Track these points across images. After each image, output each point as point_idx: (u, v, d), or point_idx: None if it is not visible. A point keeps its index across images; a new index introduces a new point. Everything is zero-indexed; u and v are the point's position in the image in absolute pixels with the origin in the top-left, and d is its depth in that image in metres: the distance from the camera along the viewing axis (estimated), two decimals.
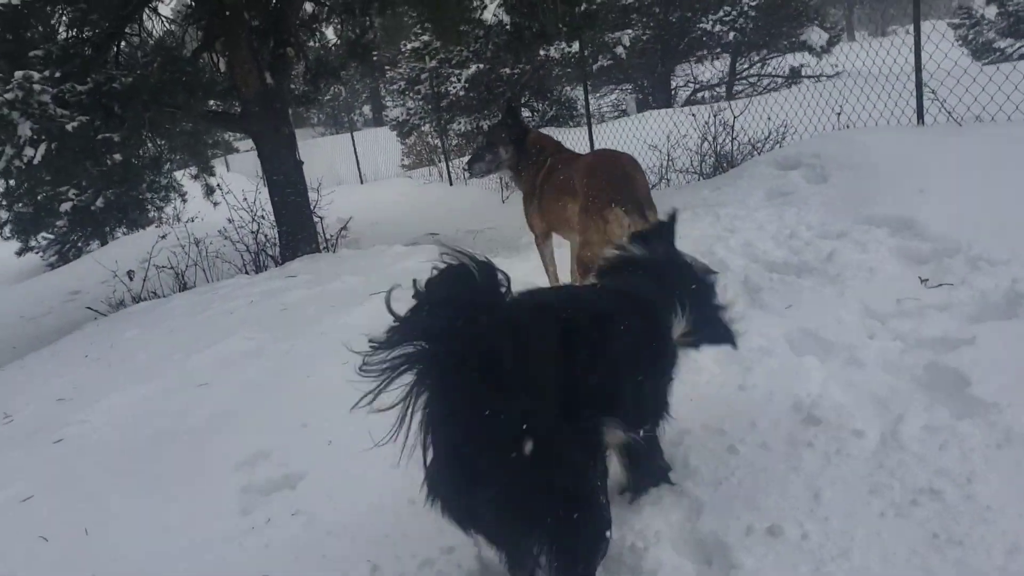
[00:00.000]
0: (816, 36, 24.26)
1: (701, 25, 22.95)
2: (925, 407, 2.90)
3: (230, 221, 10.54)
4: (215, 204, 14.08)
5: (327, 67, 12.47)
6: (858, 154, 6.34)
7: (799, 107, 8.94)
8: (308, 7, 11.54)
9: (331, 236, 11.03)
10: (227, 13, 9.17)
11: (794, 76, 24.29)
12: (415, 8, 9.47)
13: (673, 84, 25.50)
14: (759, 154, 8.89)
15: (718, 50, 24.48)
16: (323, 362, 4.05)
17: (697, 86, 25.63)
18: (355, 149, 19.09)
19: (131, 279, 10.62)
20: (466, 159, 6.58)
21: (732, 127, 9.24)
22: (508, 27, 11.46)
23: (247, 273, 9.93)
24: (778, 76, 24.70)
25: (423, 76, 20.96)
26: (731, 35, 22.99)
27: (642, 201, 4.59)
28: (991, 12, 23.64)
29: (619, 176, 4.69)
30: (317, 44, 12.80)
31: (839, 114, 8.35)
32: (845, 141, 6.79)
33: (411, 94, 22.54)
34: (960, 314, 3.52)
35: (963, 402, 2.87)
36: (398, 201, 14.98)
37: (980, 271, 3.81)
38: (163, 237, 10.63)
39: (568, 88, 22.91)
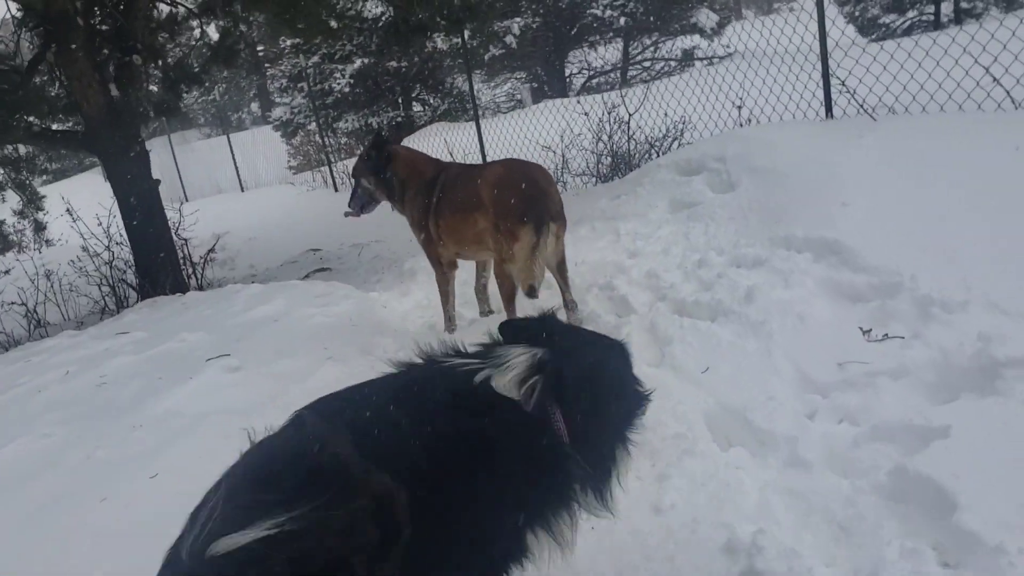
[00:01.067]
0: (706, 18, 24.05)
1: (592, 11, 22.39)
2: (900, 548, 2.17)
3: (84, 250, 9.37)
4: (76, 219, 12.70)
5: (187, 72, 11.32)
6: (766, 156, 5.70)
7: (696, 99, 8.29)
8: (164, 8, 10.38)
9: (199, 259, 9.94)
10: (58, 18, 8.02)
11: (687, 59, 24.05)
12: (272, 7, 8.45)
13: (567, 71, 24.93)
14: (658, 155, 8.24)
15: (610, 35, 24.00)
16: (127, 475, 3.14)
17: (591, 72, 25.13)
18: (233, 154, 17.83)
19: None
20: (354, 161, 6.02)
21: (628, 124, 8.54)
22: (387, 19, 10.58)
23: (103, 311, 8.83)
24: (671, 60, 24.40)
25: (306, 72, 19.79)
26: (622, 20, 22.50)
27: (555, 217, 4.40)
28: None
29: (530, 189, 4.38)
30: (175, 47, 11.61)
31: (740, 107, 7.74)
32: (750, 141, 6.15)
33: (294, 91, 21.37)
34: (921, 385, 2.83)
35: (952, 538, 2.16)
36: (279, 211, 13.90)
37: (934, 319, 3.14)
38: (6, 272, 9.38)
39: (460, 80, 22.06)
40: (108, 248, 9.21)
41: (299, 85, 20.34)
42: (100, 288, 9.24)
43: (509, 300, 4.65)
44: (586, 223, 6.73)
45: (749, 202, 5.30)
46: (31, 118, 8.59)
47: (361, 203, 5.67)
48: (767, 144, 5.95)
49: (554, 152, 9.47)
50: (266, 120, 23.37)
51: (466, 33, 10.11)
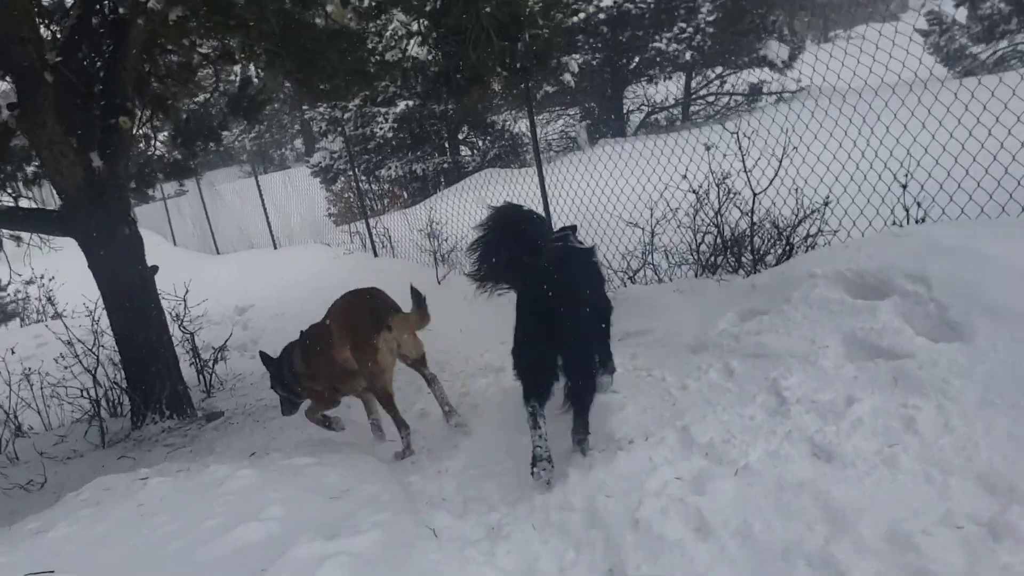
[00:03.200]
0: (776, 49, 22.17)
1: (655, 44, 20.57)
2: None
3: (64, 356, 7.71)
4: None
5: (203, 127, 9.71)
6: (1007, 289, 3.79)
7: (822, 151, 6.31)
8: (172, 56, 8.77)
9: (207, 360, 8.20)
10: (20, 72, 6.40)
11: (754, 93, 22.22)
12: (290, 60, 6.73)
13: (625, 107, 23.13)
14: (789, 245, 6.32)
15: (670, 69, 22.18)
16: None
17: (651, 108, 23.30)
18: (265, 208, 16.21)
19: None
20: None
21: (753, 200, 6.54)
22: (434, 68, 8.83)
23: (91, 419, 7.14)
24: (737, 94, 22.56)
25: (344, 119, 18.21)
26: (688, 54, 20.66)
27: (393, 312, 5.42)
28: (962, 16, 21.86)
29: (368, 308, 5.37)
30: (189, 101, 10.01)
31: (905, 185, 5.74)
32: (963, 256, 4.23)
33: (335, 135, 19.80)
34: None
35: None
36: (311, 279, 12.18)
37: None
38: None
39: (510, 121, 20.36)
40: (94, 349, 7.51)
41: (339, 129, 18.77)
42: (87, 395, 7.56)
43: (391, 403, 5.20)
44: (709, 355, 4.85)
45: (1004, 370, 3.38)
46: None
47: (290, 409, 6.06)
48: (996, 264, 4.03)
49: (642, 229, 7.60)
50: (306, 163, 21.83)
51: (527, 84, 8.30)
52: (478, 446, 4.80)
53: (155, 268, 7.47)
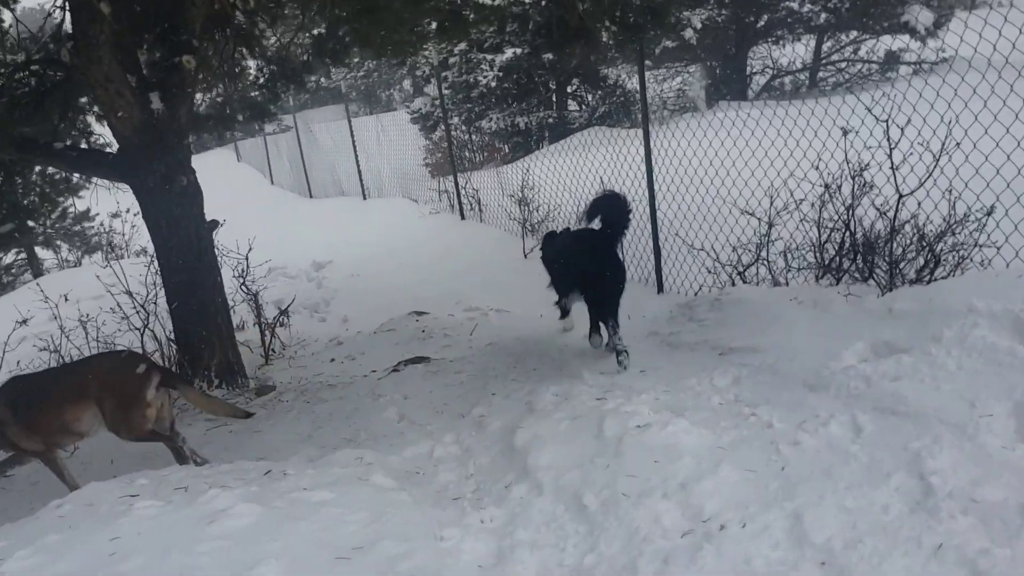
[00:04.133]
0: (920, 15, 20.17)
1: (787, 3, 18.97)
2: None
3: (120, 307, 7.25)
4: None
5: (289, 69, 9.05)
6: None
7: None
8: None
9: (268, 324, 7.63)
10: (76, 5, 5.80)
11: (891, 62, 20.33)
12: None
13: (748, 68, 21.58)
14: (937, 259, 5.24)
15: (800, 31, 20.51)
16: None
17: (776, 71, 21.69)
18: (356, 152, 15.57)
19: None
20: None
21: (898, 202, 5.45)
22: (537, 18, 7.90)
23: None
24: (872, 62, 20.74)
25: (450, 61, 17.40)
26: (822, 16, 19.00)
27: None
28: None
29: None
30: (275, 40, 9.33)
31: None
32: None
33: (439, 80, 18.98)
34: None
35: None
36: (394, 238, 11.52)
37: None
38: (23, 323, 7.33)
39: (624, 76, 19.16)
40: (147, 305, 7.01)
41: (443, 75, 17.95)
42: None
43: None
44: (831, 398, 3.92)
45: None
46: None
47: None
48: None
49: (758, 220, 6.58)
50: (406, 109, 21.15)
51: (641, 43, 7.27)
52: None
53: (214, 223, 6.88)
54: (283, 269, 10.51)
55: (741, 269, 6.71)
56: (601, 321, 5.74)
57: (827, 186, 5.81)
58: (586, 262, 5.61)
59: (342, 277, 10.10)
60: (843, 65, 21.51)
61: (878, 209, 5.59)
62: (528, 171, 10.03)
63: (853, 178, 5.71)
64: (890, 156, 5.29)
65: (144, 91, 6.22)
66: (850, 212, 5.78)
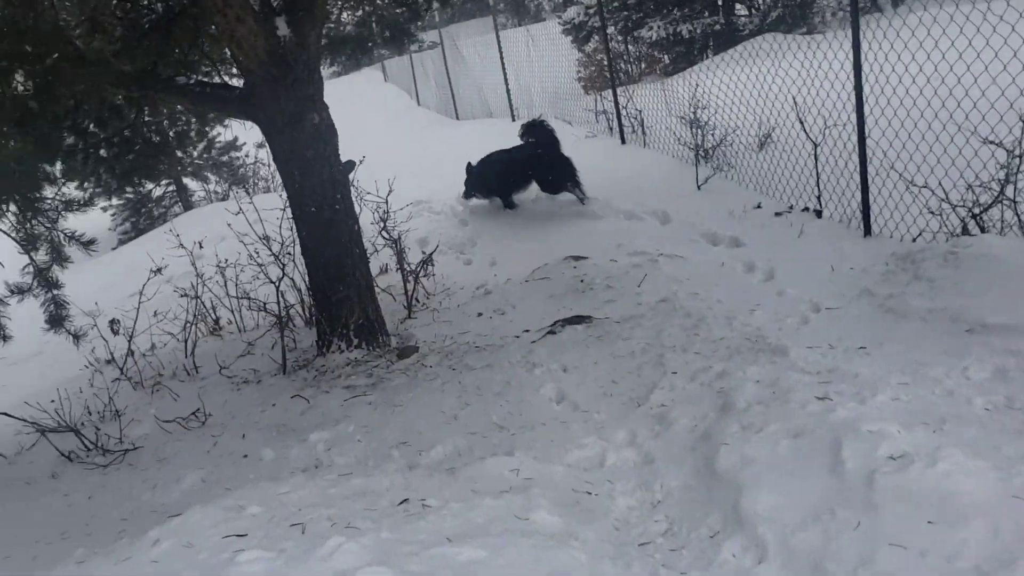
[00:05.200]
0: None
1: None
2: None
3: (258, 254, 6.69)
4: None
5: None
6: None
7: None
8: None
9: (411, 271, 6.91)
10: None
11: None
12: None
13: None
14: None
15: None
16: None
17: None
18: (504, 68, 14.50)
19: (115, 331, 7.07)
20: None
21: None
22: None
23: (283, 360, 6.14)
24: None
25: None
26: None
27: None
28: None
29: None
30: None
31: None
32: None
33: None
34: None
35: None
36: None
37: None
38: (158, 271, 6.90)
39: None
40: (282, 256, 6.42)
41: None
42: (268, 309, 6.58)
43: None
44: None
45: None
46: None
47: None
48: None
49: (1007, 151, 5.22)
50: (558, 19, 19.82)
51: None
52: None
53: (351, 164, 6.14)
54: (427, 204, 9.77)
55: (977, 211, 5.39)
56: (555, 192, 9.11)
57: None
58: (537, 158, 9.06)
59: (489, 213, 9.25)
60: None
61: None
62: (697, 84, 8.76)
63: None
64: None
65: (268, 16, 5.45)
66: None
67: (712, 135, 8.37)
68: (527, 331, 5.83)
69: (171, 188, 14.70)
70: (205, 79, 6.63)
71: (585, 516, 3.14)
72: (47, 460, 5.22)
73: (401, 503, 3.10)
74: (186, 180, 14.75)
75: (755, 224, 7.08)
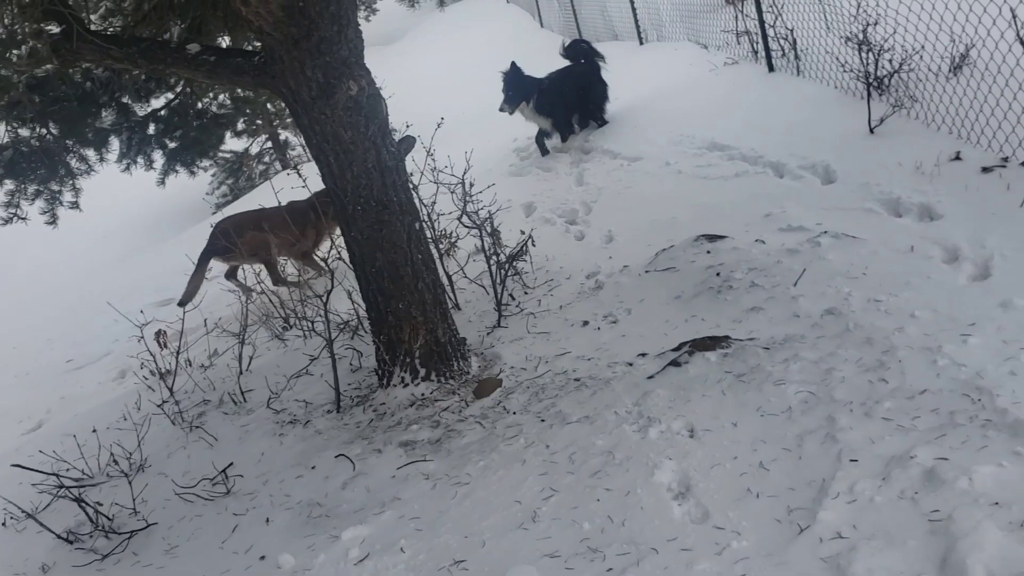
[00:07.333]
0: None
1: None
2: None
3: None
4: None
5: None
6: None
7: None
8: None
9: (504, 261, 5.55)
10: None
11: None
12: None
13: None
14: None
15: None
16: None
17: None
18: None
19: (163, 345, 6.12)
20: None
21: None
22: None
23: (338, 399, 4.99)
24: None
25: None
26: None
27: None
28: None
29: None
30: None
31: None
32: None
33: None
34: None
35: None
36: (674, 104, 8.82)
37: None
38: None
39: None
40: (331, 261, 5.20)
41: None
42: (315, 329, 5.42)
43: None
44: None
45: None
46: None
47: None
48: None
49: None
50: None
51: None
52: None
53: (409, 141, 4.77)
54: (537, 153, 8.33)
55: None
56: (595, 119, 9.07)
57: None
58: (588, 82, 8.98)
59: (607, 170, 7.70)
60: None
61: None
62: None
63: None
64: None
65: None
66: None
67: (888, 59, 6.45)
68: (643, 355, 4.39)
69: (268, 145, 13.76)
70: (218, 47, 5.38)
71: None
72: (46, 539, 4.27)
73: None
74: (284, 134, 13.71)
75: (954, 184, 5.21)
